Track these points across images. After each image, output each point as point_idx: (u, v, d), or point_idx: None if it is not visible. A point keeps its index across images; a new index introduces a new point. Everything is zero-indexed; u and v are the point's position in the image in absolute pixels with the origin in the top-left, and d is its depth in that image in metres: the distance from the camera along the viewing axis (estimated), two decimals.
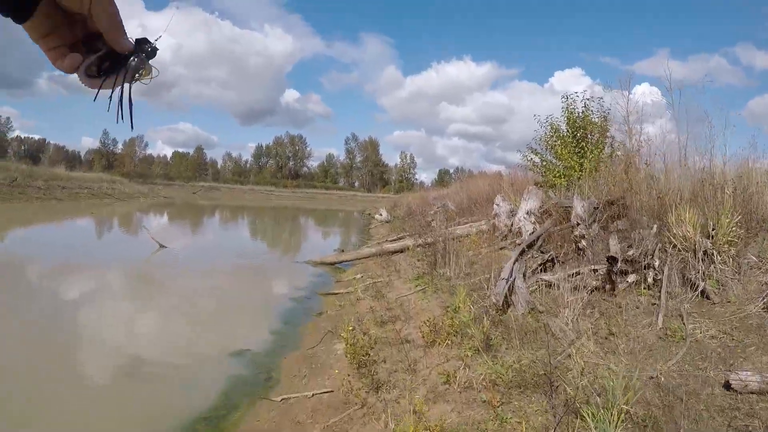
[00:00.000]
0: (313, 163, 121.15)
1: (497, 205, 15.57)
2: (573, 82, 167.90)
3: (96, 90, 0.96)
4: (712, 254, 8.03)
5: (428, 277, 11.20)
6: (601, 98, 17.35)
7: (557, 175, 17.05)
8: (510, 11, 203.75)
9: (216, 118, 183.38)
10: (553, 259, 9.80)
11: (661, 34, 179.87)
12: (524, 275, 8.84)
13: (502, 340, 6.78)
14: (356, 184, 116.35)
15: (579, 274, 8.54)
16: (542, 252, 10.47)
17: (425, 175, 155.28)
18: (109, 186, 53.42)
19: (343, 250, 20.20)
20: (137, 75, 1.02)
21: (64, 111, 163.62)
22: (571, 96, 17.47)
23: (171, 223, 35.23)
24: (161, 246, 18.71)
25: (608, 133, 17.54)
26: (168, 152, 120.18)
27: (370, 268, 14.85)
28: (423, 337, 7.26)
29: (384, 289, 11.56)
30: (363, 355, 6.80)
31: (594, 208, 11.74)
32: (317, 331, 9.52)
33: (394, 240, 20.02)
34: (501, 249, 13.15)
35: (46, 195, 41.24)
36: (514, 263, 8.96)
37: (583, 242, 9.61)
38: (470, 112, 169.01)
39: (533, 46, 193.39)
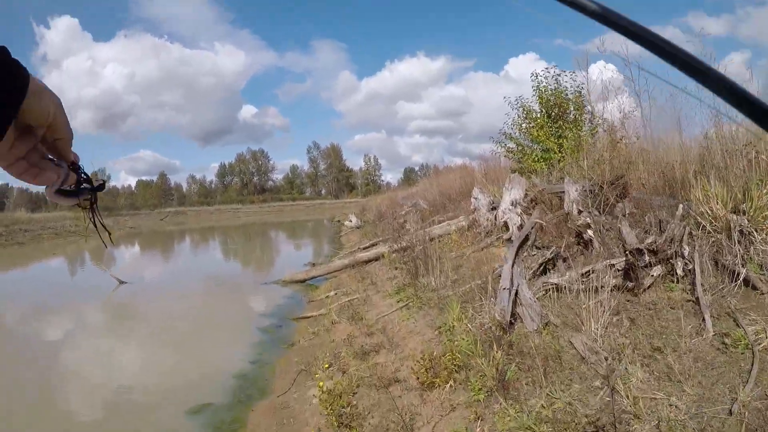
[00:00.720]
0: (277, 176, 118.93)
1: (475, 198, 14.08)
2: (528, 67, 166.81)
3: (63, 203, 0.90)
4: (750, 233, 6.60)
5: (411, 289, 9.64)
6: (573, 72, 16.03)
7: (535, 159, 15.64)
8: (459, 3, 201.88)
9: (175, 143, 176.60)
10: (555, 256, 8.28)
11: (615, 8, 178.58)
12: (527, 280, 7.32)
13: (520, 373, 5.21)
14: (323, 191, 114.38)
15: (593, 272, 7.04)
16: (539, 248, 8.97)
17: (391, 176, 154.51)
18: (72, 223, 50.95)
19: (314, 264, 18.58)
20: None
21: None
22: (542, 74, 16.06)
23: (135, 254, 33.34)
24: (120, 282, 17.01)
25: (586, 109, 16.22)
26: (132, 182, 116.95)
27: (344, 282, 13.28)
28: (418, 378, 5.67)
29: (362, 307, 9.98)
30: (343, 406, 5.26)
31: (588, 190, 10.35)
32: (289, 368, 8.01)
33: (367, 247, 18.45)
34: (487, 247, 11.66)
35: (8, 241, 39.42)
36: (512, 266, 7.43)
37: (590, 233, 8.13)
38: (428, 107, 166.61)
39: (485, 36, 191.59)
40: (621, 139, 11.97)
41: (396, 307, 9.14)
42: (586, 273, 7.07)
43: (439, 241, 13.84)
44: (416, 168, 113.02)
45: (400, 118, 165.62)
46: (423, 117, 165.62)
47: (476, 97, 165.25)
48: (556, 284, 7.18)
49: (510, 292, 6.62)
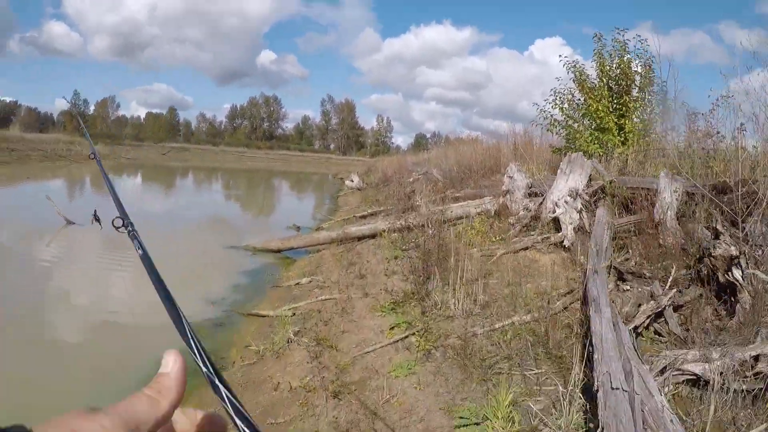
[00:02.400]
0: (288, 125, 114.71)
1: (510, 177, 10.47)
2: (553, 52, 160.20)
3: None
4: None
5: (415, 307, 6.12)
6: (646, 40, 12.31)
7: (589, 140, 12.03)
8: None
9: (191, 79, 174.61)
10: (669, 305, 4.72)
11: (645, 6, 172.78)
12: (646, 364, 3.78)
13: None
14: (331, 146, 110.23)
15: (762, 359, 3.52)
16: (633, 275, 5.43)
17: (402, 139, 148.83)
18: (66, 147, 47.30)
19: (299, 228, 15.06)
20: None
21: (38, 73, 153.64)
22: (615, 35, 12.31)
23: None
24: (69, 222, 13.54)
25: (652, 89, 12.55)
26: (142, 113, 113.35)
27: (325, 265, 9.76)
28: None
29: (337, 320, 6.40)
30: None
31: (689, 194, 6.83)
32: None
33: (363, 217, 14.92)
34: (526, 249, 8.11)
35: None
36: (614, 326, 3.91)
37: (737, 277, 4.56)
38: (448, 76, 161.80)
39: (515, 12, 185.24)
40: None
41: (389, 336, 5.57)
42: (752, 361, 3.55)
43: (455, 226, 10.34)
44: (428, 135, 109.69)
45: (419, 84, 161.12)
46: (442, 85, 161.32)
47: (498, 72, 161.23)
48: (696, 376, 3.66)
49: (632, 401, 3.08)
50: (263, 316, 7.20)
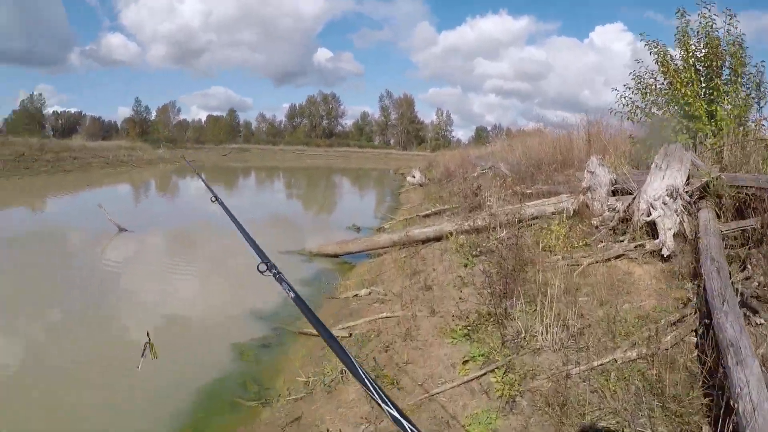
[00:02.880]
0: (347, 122, 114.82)
1: (591, 172, 9.32)
2: (614, 38, 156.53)
3: None
4: None
5: (491, 331, 5.12)
6: (736, 15, 10.91)
7: (677, 129, 10.71)
8: None
9: (249, 81, 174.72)
10: None
11: None
12: None
13: None
14: (391, 141, 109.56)
15: None
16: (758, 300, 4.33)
17: (462, 133, 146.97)
18: (127, 153, 48.21)
19: (359, 229, 14.27)
20: None
21: (99, 83, 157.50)
22: (702, 9, 10.92)
23: (170, 192, 29.81)
24: (121, 229, 13.33)
25: (745, 70, 11.10)
26: (203, 116, 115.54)
27: (387, 273, 8.90)
28: None
29: (400, 348, 5.46)
30: None
31: None
32: None
33: (427, 216, 13.96)
34: (616, 257, 6.98)
35: (55, 168, 36.83)
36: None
37: None
38: (506, 67, 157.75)
39: None
40: None
41: (462, 374, 4.60)
42: None
43: (529, 227, 9.30)
44: (488, 128, 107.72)
45: (477, 76, 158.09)
46: (500, 77, 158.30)
47: (557, 62, 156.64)
48: None
49: None
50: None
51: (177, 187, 32.83)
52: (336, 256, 10.73)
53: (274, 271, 1.36)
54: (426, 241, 10.17)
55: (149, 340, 3.43)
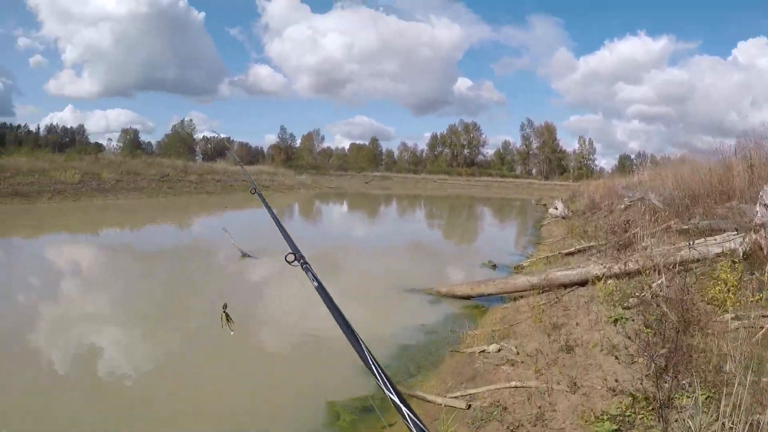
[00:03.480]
0: (488, 151, 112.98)
1: (765, 205, 8.03)
2: (760, 53, 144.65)
3: None
4: None
5: (650, 425, 4.13)
6: None
7: None
8: None
9: (391, 110, 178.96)
10: None
11: None
12: None
13: None
14: (533, 171, 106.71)
15: None
16: None
17: (605, 161, 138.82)
18: (269, 178, 50.27)
19: (494, 266, 13.38)
20: None
21: (247, 112, 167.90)
22: None
23: (305, 217, 30.34)
24: (244, 255, 13.47)
25: None
26: (346, 145, 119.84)
27: (522, 322, 7.99)
28: None
29: None
30: None
31: None
32: None
33: (570, 254, 12.89)
34: None
35: (197, 189, 39.55)
36: None
37: None
38: (648, 91, 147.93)
39: (712, 15, 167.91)
40: None
41: None
42: None
43: (689, 271, 8.15)
44: (632, 156, 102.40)
45: (619, 101, 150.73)
46: (642, 101, 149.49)
47: (700, 82, 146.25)
48: None
49: None
50: (431, 402, 5.60)
51: (312, 213, 33.45)
52: (467, 298, 9.98)
53: (301, 261, 1.49)
54: (569, 285, 9.22)
55: (225, 311, 3.17)
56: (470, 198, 57.57)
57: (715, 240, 8.91)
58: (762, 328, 5.77)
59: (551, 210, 26.66)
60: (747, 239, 8.10)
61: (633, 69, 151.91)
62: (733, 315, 6.19)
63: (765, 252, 7.79)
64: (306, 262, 1.51)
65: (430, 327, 8.54)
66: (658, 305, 6.28)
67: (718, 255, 8.64)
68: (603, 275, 8.85)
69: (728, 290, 6.74)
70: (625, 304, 7.35)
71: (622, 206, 18.86)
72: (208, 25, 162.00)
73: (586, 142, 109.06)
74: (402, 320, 8.78)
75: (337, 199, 44.77)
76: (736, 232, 9.07)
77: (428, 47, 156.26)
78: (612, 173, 62.31)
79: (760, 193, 8.19)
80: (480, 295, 9.93)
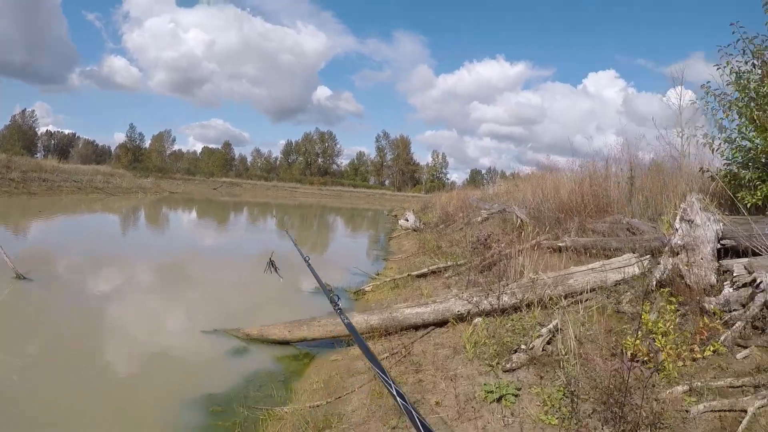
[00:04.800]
0: (343, 161, 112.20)
1: (687, 221, 5.72)
2: (607, 84, 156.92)
3: None
4: None
5: None
6: None
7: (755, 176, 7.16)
8: (545, 7, 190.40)
9: (248, 115, 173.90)
10: None
11: (697, 37, 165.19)
12: None
13: None
14: (386, 182, 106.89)
15: None
16: None
17: (456, 175, 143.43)
18: (104, 180, 44.61)
19: (332, 292, 10.37)
20: None
21: (97, 106, 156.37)
22: None
23: (135, 226, 25.95)
24: (19, 276, 9.41)
25: None
26: (199, 148, 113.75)
27: (354, 396, 5.08)
28: None
29: None
30: None
31: None
32: None
33: (423, 276, 10.30)
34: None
35: (18, 189, 33.17)
36: None
37: None
38: (502, 112, 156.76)
39: (568, 46, 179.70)
40: None
41: None
42: None
43: (580, 307, 5.75)
44: (483, 171, 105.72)
45: (473, 119, 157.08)
46: (495, 121, 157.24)
47: (551, 107, 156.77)
48: None
49: None
50: None
51: (134, 221, 28.84)
52: (285, 343, 6.97)
53: (337, 308, 1.84)
54: (419, 327, 6.49)
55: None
56: (321, 207, 54.72)
57: (613, 264, 6.58)
58: (743, 411, 3.36)
59: (401, 221, 24.26)
60: (663, 265, 5.77)
61: (489, 90, 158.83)
62: (686, 387, 3.71)
63: (687, 279, 5.48)
64: (339, 308, 1.84)
65: (220, 399, 5.36)
66: (564, 371, 3.71)
67: (617, 283, 6.33)
68: (468, 313, 6.22)
69: (665, 342, 4.27)
70: (508, 365, 4.71)
71: (479, 219, 16.77)
72: (65, 6, 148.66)
73: (440, 156, 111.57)
74: (182, 386, 5.58)
75: (175, 205, 40.19)
76: (634, 254, 6.83)
77: (291, 53, 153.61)
78: (464, 186, 62.35)
79: (681, 206, 5.87)
80: (302, 340, 6.89)
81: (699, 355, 4.23)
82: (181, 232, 24.23)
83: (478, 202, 21.33)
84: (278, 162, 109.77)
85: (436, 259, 11.30)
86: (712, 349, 4.25)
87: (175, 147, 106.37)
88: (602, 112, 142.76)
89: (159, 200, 42.98)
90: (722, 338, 4.37)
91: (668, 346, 4.21)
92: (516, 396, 4.16)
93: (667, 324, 4.35)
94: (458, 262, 10.16)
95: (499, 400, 4.12)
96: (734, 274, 5.03)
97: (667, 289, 5.32)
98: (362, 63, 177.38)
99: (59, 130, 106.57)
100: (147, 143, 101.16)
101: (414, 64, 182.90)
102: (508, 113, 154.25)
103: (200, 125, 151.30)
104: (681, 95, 12.41)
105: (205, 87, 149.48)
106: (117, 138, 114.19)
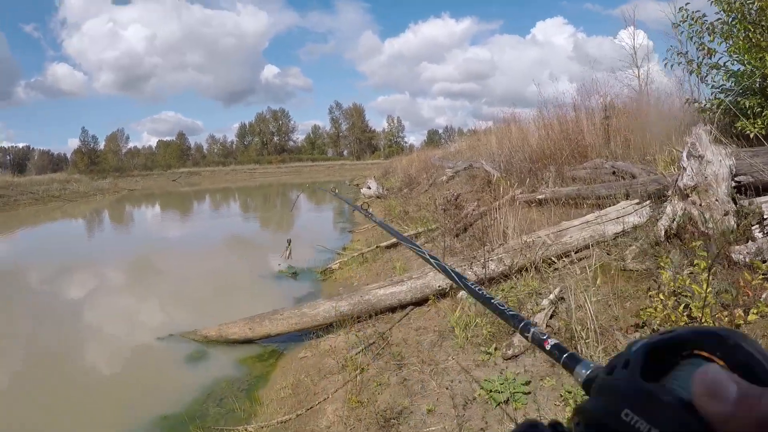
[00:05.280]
0: (299, 137, 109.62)
1: (697, 157, 4.84)
2: (556, 32, 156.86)
3: None
4: None
5: None
6: None
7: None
8: None
9: (199, 104, 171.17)
10: None
11: None
12: None
13: None
14: (345, 153, 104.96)
15: None
16: None
17: (414, 138, 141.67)
18: (61, 187, 42.54)
19: (296, 273, 9.37)
20: None
21: (46, 116, 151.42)
22: None
23: (87, 230, 24.51)
24: None
25: None
26: (154, 143, 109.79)
27: (327, 406, 4.11)
28: None
29: None
30: None
31: None
32: None
33: (392, 247, 9.41)
34: None
35: None
36: None
37: None
38: (452, 70, 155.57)
39: None
40: None
41: None
42: None
43: (575, 265, 4.93)
44: (440, 131, 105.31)
45: (424, 80, 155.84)
46: (447, 79, 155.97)
47: (502, 60, 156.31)
48: None
49: None
50: None
51: (96, 224, 27.35)
52: (248, 341, 5.99)
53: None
54: (399, 307, 5.58)
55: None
56: (282, 185, 53.35)
57: (609, 213, 5.74)
58: None
59: (363, 190, 23.22)
60: (670, 211, 4.93)
61: (437, 49, 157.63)
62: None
63: (702, 228, 4.66)
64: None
65: (175, 421, 4.39)
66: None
67: (617, 235, 5.50)
68: (450, 288, 5.32)
69: (701, 305, 3.44)
70: (509, 351, 3.84)
71: (445, 178, 15.89)
72: (0, 21, 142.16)
73: (395, 121, 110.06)
74: (131, 409, 4.62)
75: (134, 202, 38.61)
76: (630, 201, 6.00)
77: (233, 36, 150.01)
78: (423, 147, 61.52)
79: (686, 140, 4.98)
80: (266, 337, 5.91)
81: (741, 321, 3.40)
82: (139, 228, 22.98)
83: (441, 161, 20.49)
84: (234, 146, 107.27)
85: (404, 226, 10.40)
86: (756, 311, 3.43)
87: (131, 145, 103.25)
88: (553, 60, 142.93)
89: (118, 200, 41.28)
90: (764, 296, 3.56)
91: (706, 313, 3.37)
92: (527, 394, 3.29)
93: (703, 285, 3.49)
94: (430, 227, 9.30)
95: (506, 402, 3.25)
96: (765, 216, 4.22)
97: (698, 242, 4.43)
98: (306, 37, 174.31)
99: (13, 144, 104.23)
100: (102, 145, 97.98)
101: (358, 32, 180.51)
102: (458, 71, 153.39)
103: (151, 120, 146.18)
104: (634, 34, 11.92)
105: (152, 81, 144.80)
106: (72, 144, 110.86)
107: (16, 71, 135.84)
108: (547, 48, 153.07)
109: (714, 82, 7.18)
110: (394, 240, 9.56)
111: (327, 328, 5.69)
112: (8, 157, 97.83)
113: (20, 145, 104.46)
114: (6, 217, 28.76)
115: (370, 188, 22.34)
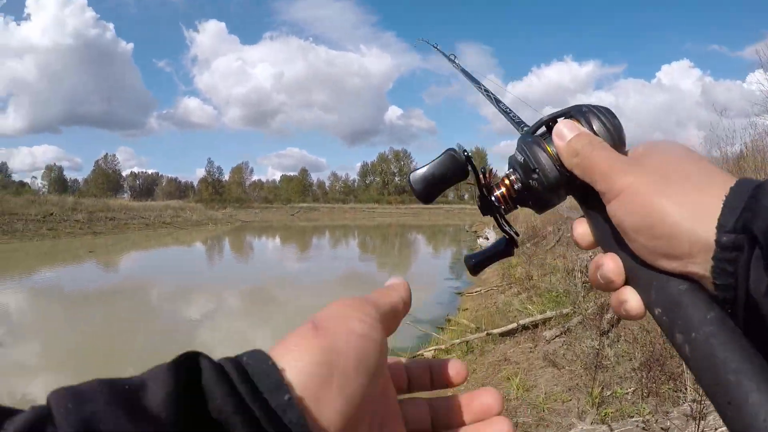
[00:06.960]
0: None
1: None
2: (682, 75, 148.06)
3: None
4: None
5: None
6: None
7: None
8: (608, 4, 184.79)
9: (322, 141, 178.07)
10: None
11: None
12: None
13: None
14: (465, 196, 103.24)
15: None
16: None
17: None
18: (174, 214, 43.44)
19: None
20: None
21: (176, 145, 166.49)
22: None
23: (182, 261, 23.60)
24: None
25: None
26: (278, 177, 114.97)
27: None
28: None
29: None
30: None
31: None
32: None
33: (508, 335, 6.82)
34: None
35: (84, 229, 32.39)
36: None
37: None
38: None
39: (636, 40, 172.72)
40: None
41: None
42: None
43: None
44: None
45: None
46: None
47: (627, 104, 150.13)
48: None
49: None
50: None
51: (193, 255, 26.35)
52: None
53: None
54: None
55: None
56: (401, 226, 51.68)
57: None
58: None
59: (480, 240, 20.66)
60: None
61: (560, 93, 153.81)
62: None
63: None
64: None
65: None
66: None
67: None
68: None
69: None
70: None
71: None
72: (136, 57, 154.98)
73: None
74: None
75: (248, 234, 38.19)
76: None
77: (358, 77, 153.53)
78: None
79: None
80: None
81: None
82: (249, 262, 21.84)
83: (570, 211, 17.54)
84: (356, 184, 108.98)
85: (527, 304, 7.76)
86: None
87: (255, 177, 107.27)
88: (680, 105, 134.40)
89: (230, 231, 41.14)
90: None
91: None
92: None
93: None
94: (563, 311, 6.63)
95: None
96: None
97: None
98: (429, 79, 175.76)
99: (143, 170, 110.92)
100: (226, 176, 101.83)
101: (481, 75, 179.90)
102: None
103: (277, 155, 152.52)
104: None
105: (278, 117, 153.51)
106: (198, 174, 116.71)
107: (150, 103, 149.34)
108: (674, 93, 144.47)
109: None
110: (512, 325, 6.93)
111: None
112: (138, 182, 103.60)
113: (150, 171, 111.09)
114: (112, 240, 28.97)
115: (487, 239, 19.75)
